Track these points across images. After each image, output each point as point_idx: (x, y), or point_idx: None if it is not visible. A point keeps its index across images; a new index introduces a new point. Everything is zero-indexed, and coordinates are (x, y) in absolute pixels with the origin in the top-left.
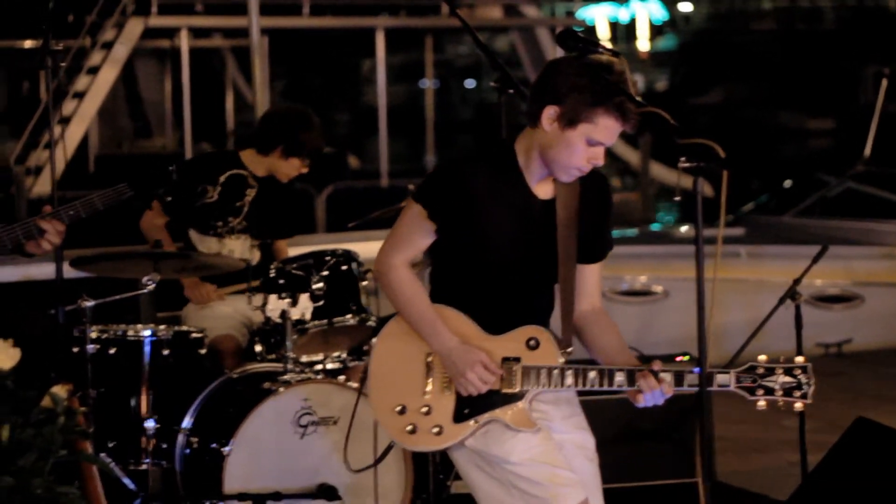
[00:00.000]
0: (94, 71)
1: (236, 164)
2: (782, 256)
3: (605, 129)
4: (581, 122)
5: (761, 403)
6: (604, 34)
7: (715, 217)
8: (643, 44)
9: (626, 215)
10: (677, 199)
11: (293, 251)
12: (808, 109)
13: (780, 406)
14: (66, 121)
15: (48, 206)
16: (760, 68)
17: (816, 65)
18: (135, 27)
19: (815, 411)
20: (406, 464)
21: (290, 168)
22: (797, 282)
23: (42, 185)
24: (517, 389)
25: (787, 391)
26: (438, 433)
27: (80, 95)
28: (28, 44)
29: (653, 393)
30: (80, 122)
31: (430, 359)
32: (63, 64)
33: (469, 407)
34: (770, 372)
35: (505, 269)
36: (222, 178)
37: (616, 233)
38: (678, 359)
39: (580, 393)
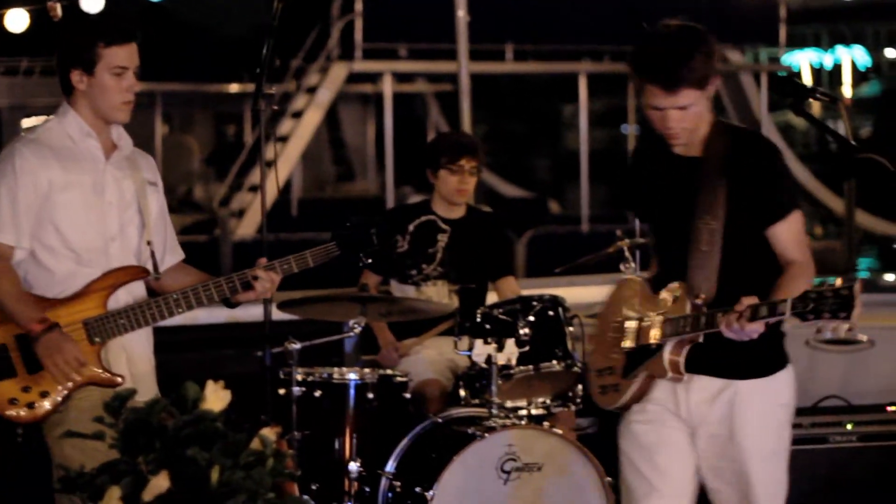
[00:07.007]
0: (298, 115)
1: (426, 211)
2: None
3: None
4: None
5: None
6: (807, 80)
7: None
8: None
9: (828, 263)
10: None
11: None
12: None
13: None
14: (270, 164)
15: (263, 259)
16: None
17: None
18: (339, 72)
19: None
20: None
21: (449, 184)
22: None
23: (245, 228)
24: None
25: (833, 312)
26: (616, 389)
27: (283, 139)
28: (233, 88)
29: None
30: (283, 165)
31: (620, 321)
32: (275, 107)
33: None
34: (820, 296)
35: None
36: (411, 227)
37: (818, 279)
38: (888, 408)
39: None
